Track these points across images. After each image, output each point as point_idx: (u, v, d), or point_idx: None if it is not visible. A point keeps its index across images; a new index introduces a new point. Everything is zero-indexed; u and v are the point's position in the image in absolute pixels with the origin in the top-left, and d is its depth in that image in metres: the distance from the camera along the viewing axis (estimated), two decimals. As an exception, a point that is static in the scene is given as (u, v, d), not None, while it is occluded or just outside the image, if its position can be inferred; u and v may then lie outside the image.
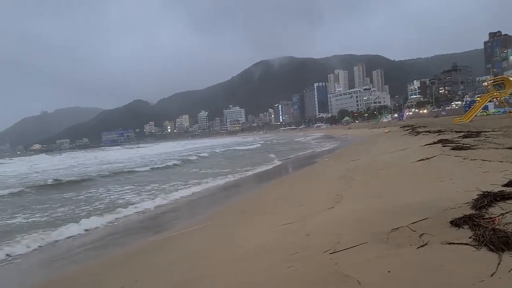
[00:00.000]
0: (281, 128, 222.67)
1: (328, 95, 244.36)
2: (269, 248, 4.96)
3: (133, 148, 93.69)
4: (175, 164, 26.65)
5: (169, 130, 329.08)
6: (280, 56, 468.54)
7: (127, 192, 14.36)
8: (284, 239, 5.23)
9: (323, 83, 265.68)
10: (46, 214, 10.85)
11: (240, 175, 17.72)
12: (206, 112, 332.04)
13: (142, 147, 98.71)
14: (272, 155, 29.22)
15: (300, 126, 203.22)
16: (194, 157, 32.26)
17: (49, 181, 19.27)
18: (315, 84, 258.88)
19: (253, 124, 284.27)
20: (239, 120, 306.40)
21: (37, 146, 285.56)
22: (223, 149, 45.84)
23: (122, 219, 9.78)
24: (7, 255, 6.81)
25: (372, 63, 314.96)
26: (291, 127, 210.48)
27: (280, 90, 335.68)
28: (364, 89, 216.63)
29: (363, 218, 5.09)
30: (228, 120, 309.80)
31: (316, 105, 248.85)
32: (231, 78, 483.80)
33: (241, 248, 5.32)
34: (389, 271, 3.20)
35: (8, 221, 10.27)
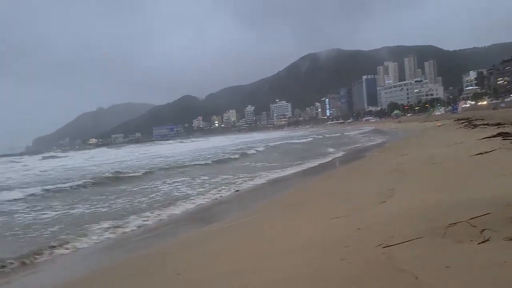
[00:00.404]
0: (328, 122, 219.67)
1: (377, 88, 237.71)
2: (319, 241, 4.92)
3: (185, 142, 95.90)
4: (231, 158, 26.88)
5: (216, 124, 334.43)
6: (328, 49, 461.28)
7: (188, 185, 14.61)
8: (334, 233, 5.18)
9: (372, 75, 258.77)
10: (106, 205, 11.39)
11: (295, 168, 17.68)
12: (253, 107, 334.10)
13: (195, 141, 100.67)
14: (329, 149, 28.88)
15: (347, 120, 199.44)
16: (252, 151, 32.27)
17: (108, 174, 20.03)
18: (364, 77, 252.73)
19: (299, 118, 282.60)
20: (285, 115, 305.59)
21: (93, 140, 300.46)
22: (277, 143, 45.81)
23: (179, 211, 10.02)
24: (74, 246, 7.15)
25: (424, 53, 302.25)
26: (339, 121, 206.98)
27: (327, 84, 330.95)
28: (416, 81, 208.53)
29: (418, 213, 4.94)
30: (274, 115, 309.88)
31: (365, 98, 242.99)
32: (277, 72, 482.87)
33: (290, 241, 5.32)
34: (447, 267, 3.10)
35: (71, 212, 10.89)
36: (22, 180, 22.04)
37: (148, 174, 19.50)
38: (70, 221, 9.49)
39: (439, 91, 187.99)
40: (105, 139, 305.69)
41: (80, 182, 16.84)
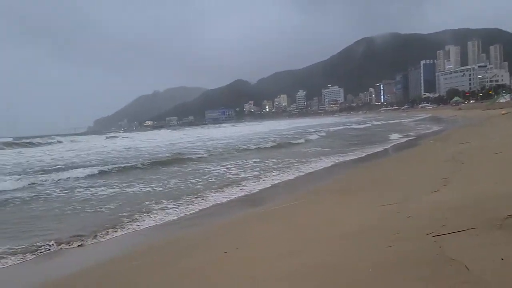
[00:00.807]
0: (381, 109, 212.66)
1: (436, 74, 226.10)
2: (367, 228, 4.89)
3: (238, 126, 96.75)
4: (292, 143, 26.45)
5: (267, 109, 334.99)
6: (384, 33, 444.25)
7: (248, 168, 14.67)
8: (384, 220, 5.13)
9: (431, 60, 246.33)
10: (167, 187, 11.67)
11: (355, 154, 17.42)
12: (304, 92, 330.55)
13: (249, 125, 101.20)
14: (389, 135, 27.92)
15: (403, 107, 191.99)
16: (315, 136, 31.79)
17: (167, 155, 20.61)
18: (422, 62, 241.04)
19: (352, 104, 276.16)
20: (337, 100, 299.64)
21: (149, 123, 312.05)
22: (336, 128, 45.25)
23: (236, 193, 10.11)
24: (137, 225, 7.39)
25: (489, 37, 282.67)
26: (393, 108, 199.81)
27: (382, 69, 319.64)
28: (479, 67, 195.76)
29: (474, 203, 4.75)
30: (326, 100, 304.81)
31: (422, 84, 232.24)
32: (330, 57, 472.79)
33: (338, 226, 5.32)
34: (502, 259, 2.96)
35: (134, 190, 11.39)
36: (88, 158, 23.16)
37: (211, 156, 19.76)
38: (134, 199, 9.90)
39: (504, 77, 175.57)
40: (160, 122, 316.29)
41: (138, 162, 17.50)
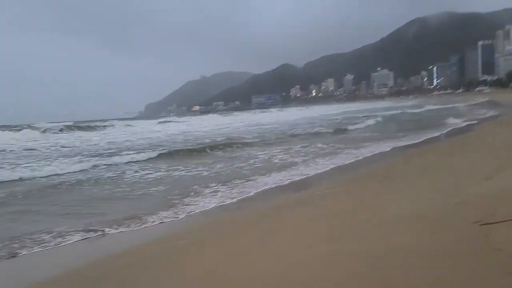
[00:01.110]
0: (434, 93, 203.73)
1: (495, 55, 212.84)
2: (410, 215, 4.82)
3: (285, 110, 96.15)
4: (345, 129, 25.63)
5: (314, 94, 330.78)
6: (438, 12, 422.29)
7: (302, 153, 14.54)
8: (428, 207, 5.03)
9: (489, 41, 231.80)
10: (213, 171, 11.86)
11: (407, 139, 16.92)
12: (352, 76, 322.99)
13: (297, 109, 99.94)
14: (446, 120, 26.48)
15: (457, 90, 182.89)
16: (371, 121, 30.60)
17: (220, 139, 21.13)
18: (479, 43, 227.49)
19: (402, 88, 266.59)
20: (387, 84, 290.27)
21: (197, 107, 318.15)
22: (392, 112, 43.99)
23: (280, 178, 10.07)
24: (185, 208, 7.57)
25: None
26: (447, 91, 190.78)
27: (436, 51, 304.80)
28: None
29: (528, 192, 4.54)
30: (374, 84, 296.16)
31: (479, 67, 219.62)
32: (380, 39, 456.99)
33: (381, 213, 5.29)
34: (553, 251, 2.86)
35: (186, 174, 11.76)
36: (145, 142, 24.02)
37: (259, 141, 19.88)
38: (183, 183, 10.22)
39: None
40: (207, 106, 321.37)
41: (188, 146, 18.16)
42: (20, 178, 11.61)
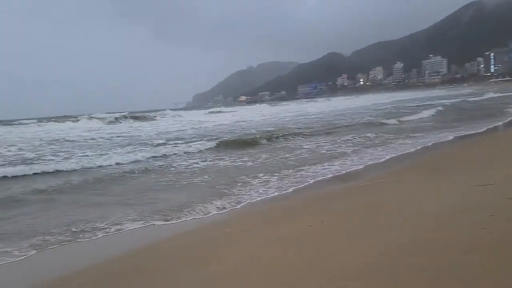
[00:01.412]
0: (491, 80, 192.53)
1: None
2: (459, 208, 4.78)
3: (332, 99, 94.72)
4: (412, 119, 24.36)
5: (361, 82, 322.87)
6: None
7: (351, 144, 14.53)
8: (478, 201, 4.90)
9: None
10: (258, 161, 12.38)
11: (467, 129, 16.44)
12: (402, 64, 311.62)
13: (346, 99, 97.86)
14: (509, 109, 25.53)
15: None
16: (433, 111, 28.94)
17: (272, 128, 21.75)
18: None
19: (456, 76, 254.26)
20: (439, 72, 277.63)
21: (243, 98, 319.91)
22: (453, 101, 42.43)
23: (326, 169, 10.17)
24: (230, 198, 7.85)
25: None
26: (505, 79, 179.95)
27: (493, 36, 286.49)
28: None
29: None
30: (426, 72, 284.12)
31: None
32: (433, 24, 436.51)
33: (427, 205, 5.26)
34: None
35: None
36: (199, 131, 24.79)
37: (306, 131, 19.92)
38: (229, 173, 10.64)
39: None
40: (253, 96, 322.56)
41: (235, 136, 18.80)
42: (81, 168, 12.18)
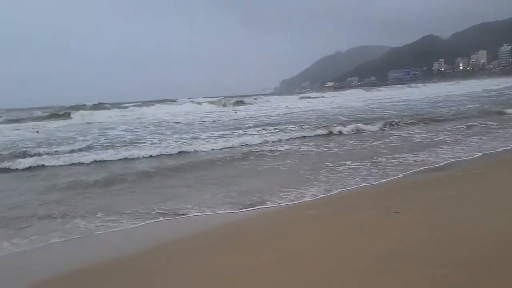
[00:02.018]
0: None
1: None
2: None
3: (428, 85, 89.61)
4: None
5: (461, 67, 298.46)
6: None
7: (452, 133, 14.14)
8: None
9: None
10: (343, 148, 12.88)
11: None
12: (510, 46, 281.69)
13: (446, 84, 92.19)
14: None
15: None
16: None
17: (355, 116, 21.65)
18: None
19: None
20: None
21: (330, 83, 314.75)
22: None
23: (418, 158, 10.15)
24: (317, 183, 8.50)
25: None
26: None
27: None
28: None
29: None
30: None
31: None
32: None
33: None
34: None
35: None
36: (301, 117, 25.53)
37: (399, 118, 19.54)
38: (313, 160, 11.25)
39: None
40: (341, 82, 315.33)
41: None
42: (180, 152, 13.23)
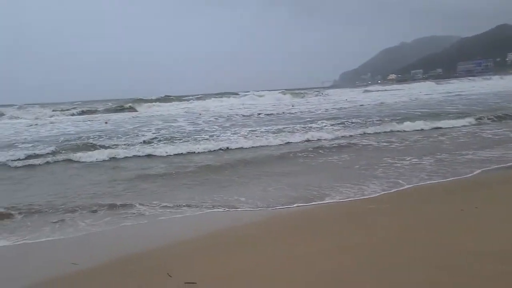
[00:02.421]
0: None
1: None
2: None
3: (505, 78, 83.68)
4: None
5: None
6: None
7: None
8: None
9: None
10: (404, 144, 12.76)
11: None
12: None
13: None
14: None
15: None
16: None
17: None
18: None
19: None
20: None
21: (392, 76, 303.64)
22: None
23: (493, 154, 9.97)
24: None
25: None
26: None
27: None
28: None
29: None
30: None
31: None
32: None
33: None
34: None
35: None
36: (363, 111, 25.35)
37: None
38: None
39: None
40: (404, 75, 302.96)
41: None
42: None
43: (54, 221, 6.53)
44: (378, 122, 18.10)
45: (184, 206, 7.07)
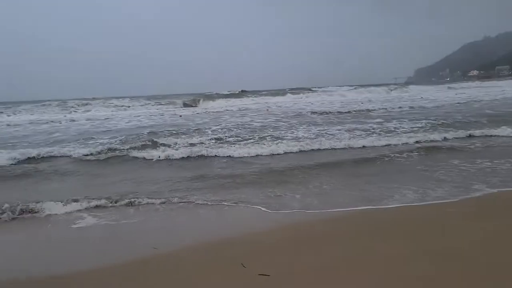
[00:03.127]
0: None
1: None
2: None
3: None
4: None
5: None
6: None
7: None
8: None
9: None
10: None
11: None
12: None
13: None
14: None
15: None
16: None
17: None
18: None
19: None
20: None
21: (474, 73, 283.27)
22: None
23: None
24: None
25: None
26: None
27: None
28: None
29: None
30: None
31: None
32: None
33: None
34: None
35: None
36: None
37: None
38: None
39: None
40: (488, 71, 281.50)
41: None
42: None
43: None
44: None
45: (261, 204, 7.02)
